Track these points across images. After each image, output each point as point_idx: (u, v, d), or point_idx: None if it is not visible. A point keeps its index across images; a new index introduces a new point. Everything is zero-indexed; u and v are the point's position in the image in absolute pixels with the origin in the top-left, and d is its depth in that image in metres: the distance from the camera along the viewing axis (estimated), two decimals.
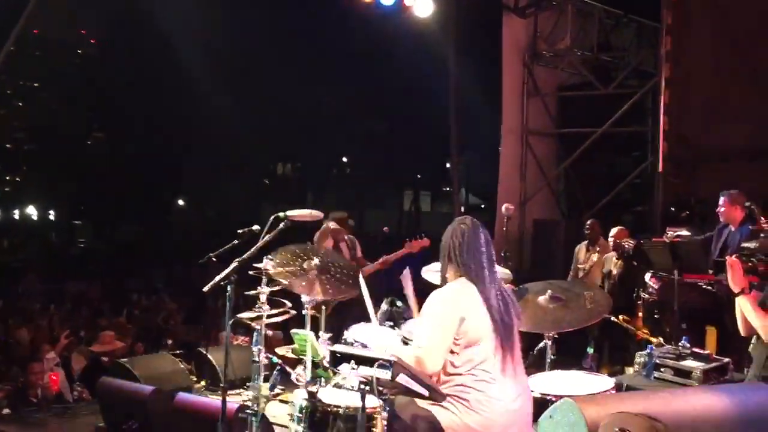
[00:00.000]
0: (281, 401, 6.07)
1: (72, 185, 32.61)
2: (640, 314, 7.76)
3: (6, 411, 7.53)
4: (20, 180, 35.66)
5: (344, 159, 38.91)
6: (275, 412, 5.70)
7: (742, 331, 4.52)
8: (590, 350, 7.83)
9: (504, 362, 3.70)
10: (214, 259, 4.95)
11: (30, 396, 8.13)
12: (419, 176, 37.13)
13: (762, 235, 6.12)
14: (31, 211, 39.02)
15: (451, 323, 3.66)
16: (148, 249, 27.81)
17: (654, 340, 6.87)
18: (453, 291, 3.78)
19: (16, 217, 38.95)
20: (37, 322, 12.21)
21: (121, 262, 23.26)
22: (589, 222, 9.53)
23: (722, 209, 7.55)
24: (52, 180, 33.33)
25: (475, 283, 3.75)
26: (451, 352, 3.68)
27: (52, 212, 38.82)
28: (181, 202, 39.29)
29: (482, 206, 31.43)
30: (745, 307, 4.36)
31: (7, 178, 35.13)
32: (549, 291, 4.98)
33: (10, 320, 12.48)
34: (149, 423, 6.49)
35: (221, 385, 4.50)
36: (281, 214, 4.59)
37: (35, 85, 31.84)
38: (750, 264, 4.37)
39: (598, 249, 9.21)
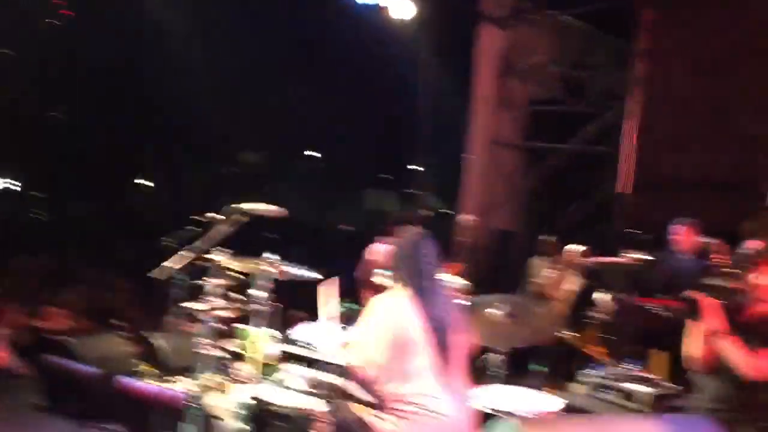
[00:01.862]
0: (222, 393, 6.00)
1: (30, 157, 32.03)
2: (589, 332, 7.78)
3: None
4: None
5: (310, 153, 38.71)
6: (216, 403, 5.62)
7: (699, 365, 4.49)
8: (537, 367, 7.84)
9: (441, 375, 3.68)
10: (167, 243, 4.88)
11: None
12: (384, 176, 37.09)
13: (724, 270, 6.15)
14: None
15: (385, 333, 3.65)
16: (101, 227, 27.43)
17: (602, 359, 6.90)
18: (390, 301, 3.77)
19: None
20: None
21: (72, 238, 22.89)
22: (545, 237, 9.55)
23: (676, 237, 7.62)
24: (9, 150, 32.71)
25: (413, 294, 3.74)
26: (388, 362, 3.65)
27: (7, 181, 38.15)
28: (139, 182, 38.82)
29: (445, 212, 31.50)
30: (727, 348, 4.32)
31: None
32: (501, 305, 4.96)
33: None
34: (88, 404, 6.39)
35: (160, 373, 4.43)
36: (235, 206, 4.53)
37: (5, 51, 31.25)
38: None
39: (552, 265, 9.22)
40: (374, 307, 3.77)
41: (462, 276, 6.61)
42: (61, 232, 24.90)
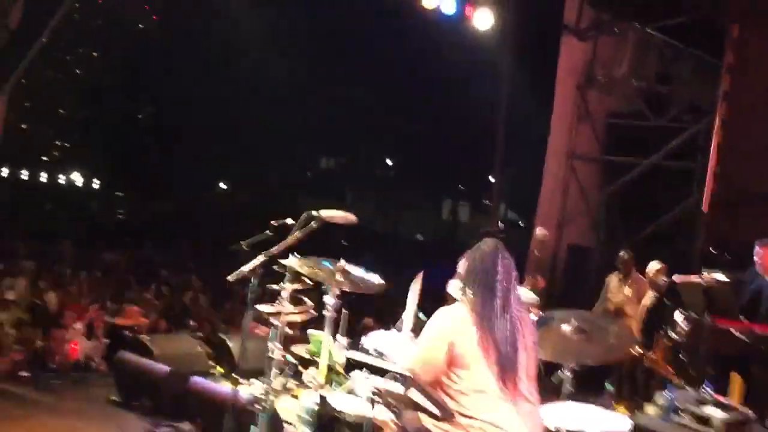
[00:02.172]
0: (294, 396, 6.06)
1: (119, 156, 33.00)
2: (662, 351, 7.63)
3: (24, 373, 7.63)
4: (69, 146, 36.12)
5: (388, 161, 38.88)
6: (287, 406, 5.69)
7: None
8: (609, 387, 7.72)
9: (508, 390, 3.64)
10: (245, 247, 4.96)
11: (49, 361, 8.23)
12: (460, 186, 36.98)
13: None
14: (76, 177, 39.59)
15: (440, 344, 3.65)
16: (183, 227, 28.08)
17: (675, 380, 6.76)
18: (449, 313, 3.76)
19: (61, 182, 39.57)
20: (67, 287, 12.34)
21: (155, 237, 23.48)
22: (622, 253, 9.36)
23: (757, 258, 7.40)
24: (99, 149, 33.73)
25: (479, 307, 3.71)
26: (452, 374, 3.64)
27: (96, 181, 39.35)
28: (222, 185, 39.55)
29: (520, 223, 31.22)
30: None
31: (57, 143, 35.59)
32: (574, 321, 4.88)
33: (41, 282, 12.64)
34: (161, 402, 6.55)
35: (233, 375, 4.50)
36: (314, 213, 4.57)
37: (94, 54, 32.23)
38: None
39: (630, 282, 9.08)
40: (434, 317, 3.79)
41: (536, 290, 6.56)
42: (146, 231, 25.59)
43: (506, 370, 3.66)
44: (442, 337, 3.68)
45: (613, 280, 9.35)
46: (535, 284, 8.30)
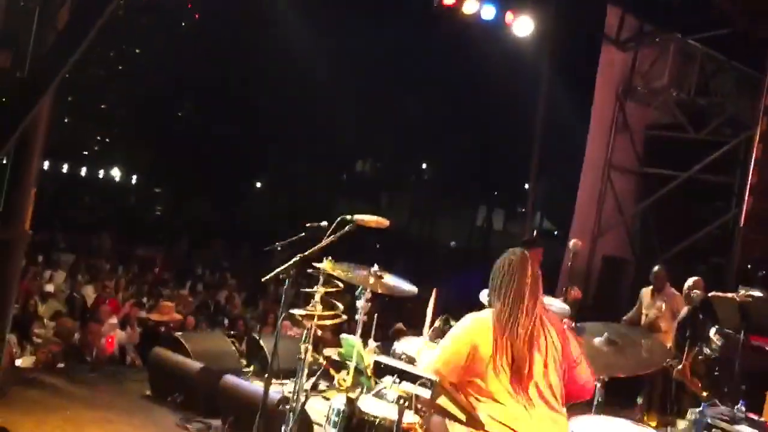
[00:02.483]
0: (325, 398, 6.11)
1: (158, 153, 33.33)
2: (694, 366, 7.56)
3: (60, 365, 7.77)
4: (109, 141, 36.55)
5: (424, 166, 38.84)
6: (317, 407, 5.74)
7: None
8: (639, 400, 7.67)
9: (529, 397, 3.64)
10: (279, 248, 5.01)
11: (85, 354, 8.37)
12: (495, 193, 36.82)
13: None
14: (115, 173, 40.07)
15: (464, 343, 3.67)
16: (220, 226, 28.31)
17: (703, 394, 6.70)
18: (472, 319, 3.77)
19: (100, 176, 40.08)
20: (104, 281, 12.54)
21: (192, 235, 23.70)
22: (656, 268, 9.26)
23: None
24: (139, 145, 34.09)
25: (505, 315, 3.71)
26: (472, 378, 3.66)
27: (134, 177, 39.79)
28: (259, 185, 39.78)
29: (555, 233, 31.03)
30: None
31: (98, 138, 36.04)
32: (606, 333, 4.87)
33: (79, 276, 12.85)
34: (194, 398, 6.64)
35: (266, 375, 4.55)
36: (348, 217, 4.61)
37: (137, 51, 32.57)
38: None
39: (665, 298, 9.00)
40: (461, 320, 3.82)
41: (570, 301, 6.54)
42: (183, 228, 25.84)
43: (521, 374, 3.66)
44: (466, 336, 3.70)
45: (646, 293, 9.27)
46: (569, 295, 8.28)
